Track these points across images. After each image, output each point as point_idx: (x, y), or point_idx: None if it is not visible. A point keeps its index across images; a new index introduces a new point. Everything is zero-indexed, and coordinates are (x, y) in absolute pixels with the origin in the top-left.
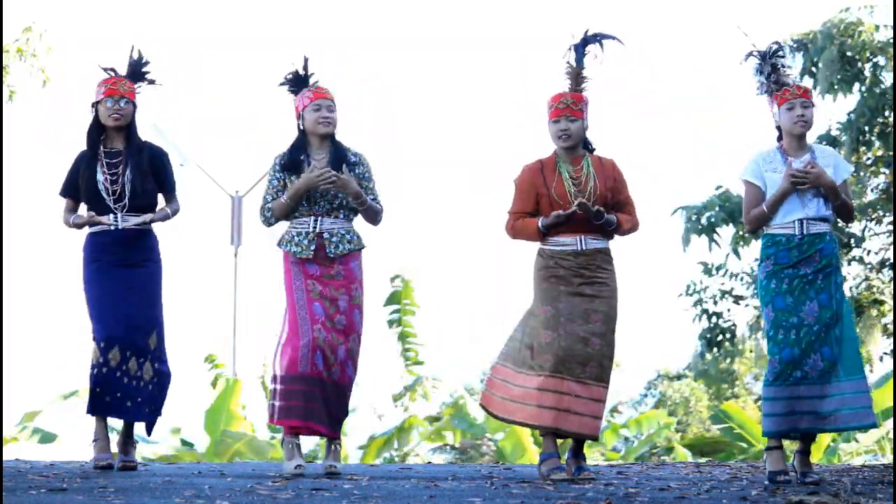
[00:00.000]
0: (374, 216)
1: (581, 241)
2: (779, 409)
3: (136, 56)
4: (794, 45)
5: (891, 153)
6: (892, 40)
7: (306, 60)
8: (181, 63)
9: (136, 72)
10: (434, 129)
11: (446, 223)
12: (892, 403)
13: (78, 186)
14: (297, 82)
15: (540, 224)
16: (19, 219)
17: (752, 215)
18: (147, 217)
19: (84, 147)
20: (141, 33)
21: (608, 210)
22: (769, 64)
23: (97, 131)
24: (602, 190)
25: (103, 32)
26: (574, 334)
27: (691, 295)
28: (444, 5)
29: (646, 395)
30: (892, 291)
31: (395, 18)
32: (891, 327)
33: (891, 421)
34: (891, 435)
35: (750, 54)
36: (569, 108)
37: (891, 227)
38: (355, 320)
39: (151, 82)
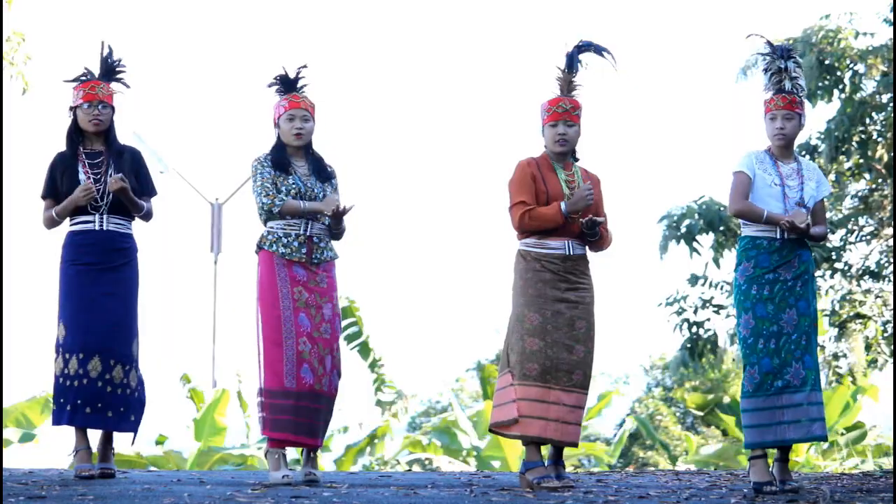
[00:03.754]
0: (336, 225)
1: (569, 245)
2: (762, 420)
3: (105, 52)
4: None
5: (868, 162)
6: (871, 48)
7: (302, 67)
8: (162, 71)
9: (109, 70)
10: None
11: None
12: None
13: (59, 188)
14: (285, 86)
15: (563, 209)
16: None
17: (745, 207)
18: (115, 178)
19: (61, 149)
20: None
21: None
22: (776, 64)
23: (76, 135)
24: (596, 198)
25: (85, 41)
26: (560, 342)
27: (671, 304)
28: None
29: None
30: (893, 298)
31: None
32: (872, 341)
33: (877, 429)
34: (871, 444)
35: (770, 54)
36: (567, 113)
37: (868, 237)
38: (337, 329)
39: (122, 82)
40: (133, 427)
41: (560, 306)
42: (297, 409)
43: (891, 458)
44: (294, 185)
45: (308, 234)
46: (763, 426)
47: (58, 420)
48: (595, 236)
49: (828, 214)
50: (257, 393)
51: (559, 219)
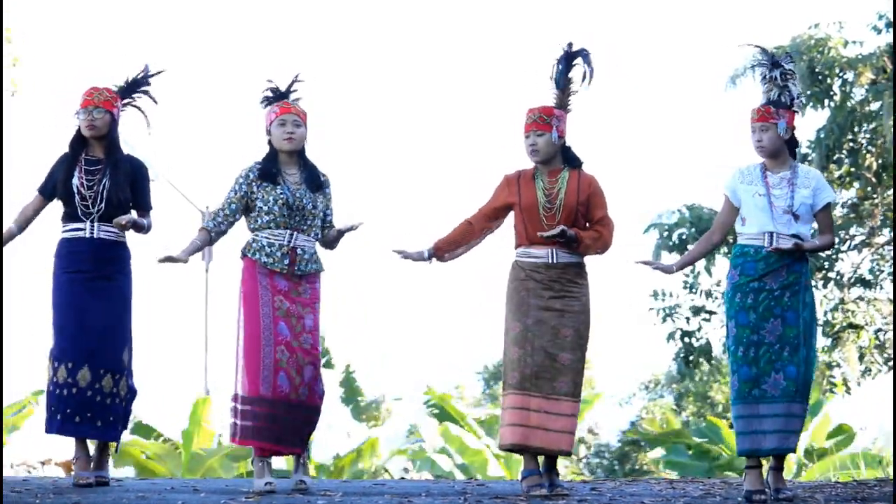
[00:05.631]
0: (335, 239)
1: (552, 253)
2: (745, 428)
3: (143, 72)
4: None
5: (858, 170)
6: (860, 56)
7: (296, 77)
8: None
9: (134, 85)
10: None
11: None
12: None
13: (55, 187)
14: (278, 97)
15: (425, 250)
16: None
17: (707, 234)
18: (123, 219)
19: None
20: (113, 47)
21: (583, 224)
22: (767, 73)
23: (79, 140)
24: (571, 202)
25: (75, 45)
26: (542, 350)
27: (659, 300)
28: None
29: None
30: (892, 305)
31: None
32: (866, 351)
33: (867, 437)
34: (862, 453)
35: (761, 62)
36: (535, 123)
37: (860, 244)
38: (318, 338)
39: (148, 94)
40: (117, 436)
41: (543, 314)
42: (274, 417)
43: (886, 467)
44: (281, 196)
45: (292, 245)
46: (744, 434)
47: (49, 428)
48: (570, 244)
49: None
50: (231, 398)
51: (441, 241)
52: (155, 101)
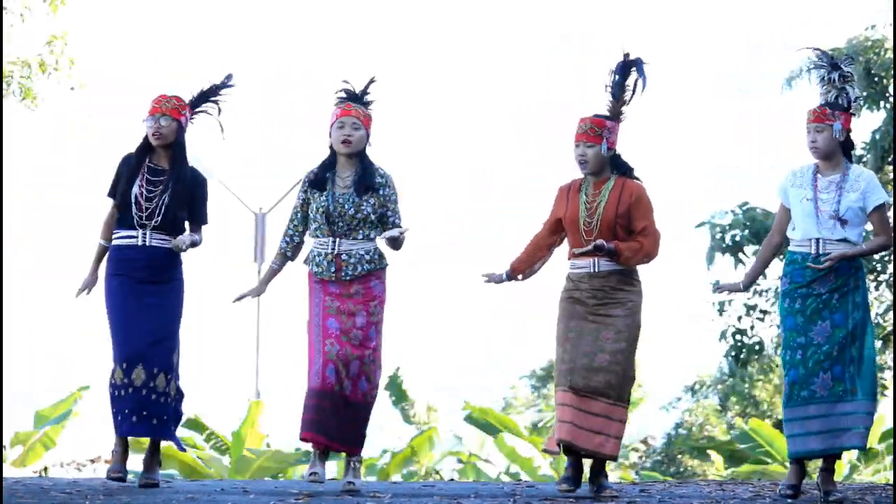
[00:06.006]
0: (392, 242)
1: (594, 263)
2: (795, 431)
3: (221, 81)
4: None
5: None
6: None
7: (371, 80)
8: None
9: (208, 94)
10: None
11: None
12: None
13: (119, 191)
14: (352, 99)
15: (504, 273)
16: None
17: (766, 239)
18: (182, 244)
19: (130, 151)
20: (161, 46)
21: (625, 235)
22: (830, 76)
23: (146, 146)
24: (609, 216)
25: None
26: (579, 349)
27: (721, 313)
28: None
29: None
30: (893, 308)
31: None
32: None
33: None
34: None
35: (820, 64)
36: (586, 134)
37: None
38: (371, 336)
39: (217, 104)
40: (173, 436)
41: (588, 320)
42: (318, 408)
43: None
44: (323, 204)
45: (336, 252)
46: (795, 436)
47: (117, 430)
48: (611, 256)
49: (868, 226)
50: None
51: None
52: (220, 111)
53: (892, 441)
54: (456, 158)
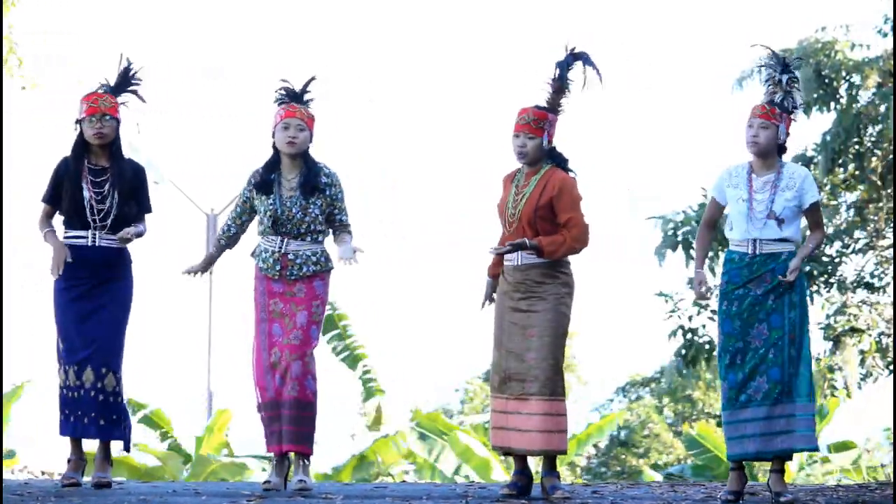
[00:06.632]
0: (346, 261)
1: (518, 257)
2: (731, 434)
3: (124, 64)
4: None
5: (863, 173)
6: (867, 59)
7: (311, 79)
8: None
9: (124, 82)
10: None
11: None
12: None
13: (61, 197)
14: (291, 99)
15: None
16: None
17: (696, 246)
18: (127, 235)
19: (65, 155)
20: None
21: (550, 228)
22: (774, 76)
23: (82, 147)
24: (528, 209)
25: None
26: (512, 352)
27: (667, 302)
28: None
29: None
30: (893, 309)
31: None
32: (867, 354)
33: (867, 443)
34: (864, 459)
35: (770, 64)
36: (528, 126)
37: (864, 248)
38: (311, 336)
39: (136, 94)
40: (124, 435)
41: (514, 316)
42: (277, 419)
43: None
44: (270, 208)
45: (283, 251)
46: (731, 440)
47: (62, 431)
48: (532, 249)
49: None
50: (256, 410)
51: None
52: (143, 101)
53: (836, 444)
54: (456, 158)
